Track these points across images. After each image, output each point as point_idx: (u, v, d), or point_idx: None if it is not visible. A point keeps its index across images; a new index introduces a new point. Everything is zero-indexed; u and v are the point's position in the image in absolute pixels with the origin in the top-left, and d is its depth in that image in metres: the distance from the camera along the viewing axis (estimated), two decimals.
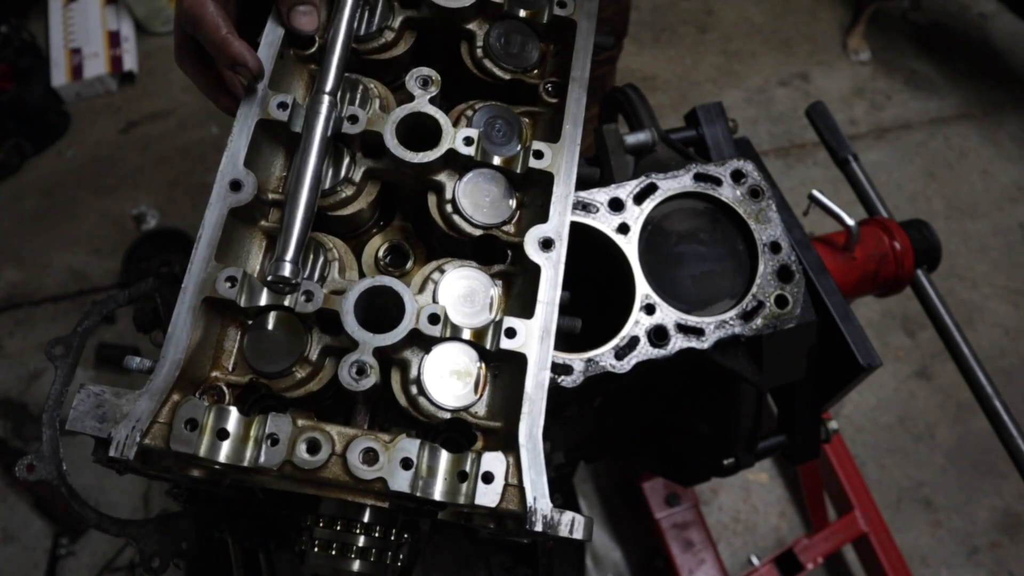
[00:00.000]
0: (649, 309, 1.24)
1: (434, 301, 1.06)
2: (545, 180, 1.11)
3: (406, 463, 0.92)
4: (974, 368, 1.86)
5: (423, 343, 1.02)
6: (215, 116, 3.97)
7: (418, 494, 0.91)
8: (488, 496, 0.92)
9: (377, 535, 1.04)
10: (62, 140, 3.94)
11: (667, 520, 2.75)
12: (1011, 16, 4.50)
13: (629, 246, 1.28)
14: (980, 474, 3.20)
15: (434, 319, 1.00)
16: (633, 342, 1.22)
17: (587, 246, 1.26)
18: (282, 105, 1.10)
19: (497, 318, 1.04)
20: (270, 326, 1.02)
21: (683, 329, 1.24)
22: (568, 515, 0.92)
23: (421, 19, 1.26)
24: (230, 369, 1.03)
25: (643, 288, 1.25)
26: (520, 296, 1.07)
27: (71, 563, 2.93)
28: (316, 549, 1.03)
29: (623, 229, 1.29)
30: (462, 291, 1.07)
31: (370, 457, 0.92)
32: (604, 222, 1.29)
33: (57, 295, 3.51)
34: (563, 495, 2.56)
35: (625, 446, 2.02)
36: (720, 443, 1.66)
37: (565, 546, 2.18)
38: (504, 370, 1.03)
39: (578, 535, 0.91)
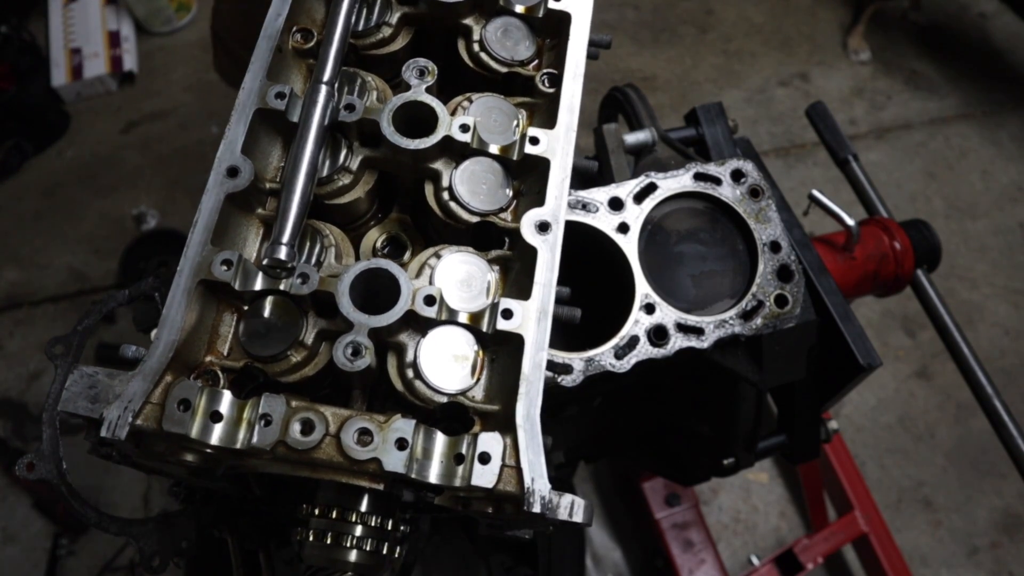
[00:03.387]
0: (649, 308, 1.24)
1: (431, 284, 1.06)
2: (541, 166, 1.11)
3: (401, 443, 0.91)
4: (974, 368, 1.86)
5: (419, 326, 1.01)
6: (215, 116, 3.98)
7: (413, 476, 0.90)
8: (485, 477, 0.91)
9: (374, 524, 1.03)
10: (62, 140, 3.94)
11: (667, 520, 2.75)
12: (1011, 16, 4.50)
13: (629, 245, 1.28)
14: (980, 474, 3.20)
15: (430, 300, 1.00)
16: (633, 341, 1.22)
17: (587, 245, 1.26)
18: (279, 95, 1.10)
19: (494, 301, 1.03)
20: (266, 311, 1.02)
21: (683, 328, 1.24)
22: (567, 498, 0.91)
23: (418, 14, 1.27)
24: (225, 354, 1.02)
25: (643, 287, 1.25)
26: (517, 281, 1.07)
27: (71, 563, 2.93)
28: (312, 539, 1.02)
29: (623, 228, 1.29)
30: (460, 276, 1.07)
31: (364, 437, 0.92)
32: (604, 221, 1.29)
33: (57, 295, 3.51)
34: None
35: (625, 446, 2.02)
36: (720, 443, 1.66)
37: (565, 545, 2.17)
38: (501, 354, 1.02)
39: (578, 518, 0.90)
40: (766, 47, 4.37)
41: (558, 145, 1.12)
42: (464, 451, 0.92)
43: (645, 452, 1.98)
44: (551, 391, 1.13)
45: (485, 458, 0.91)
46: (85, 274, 3.55)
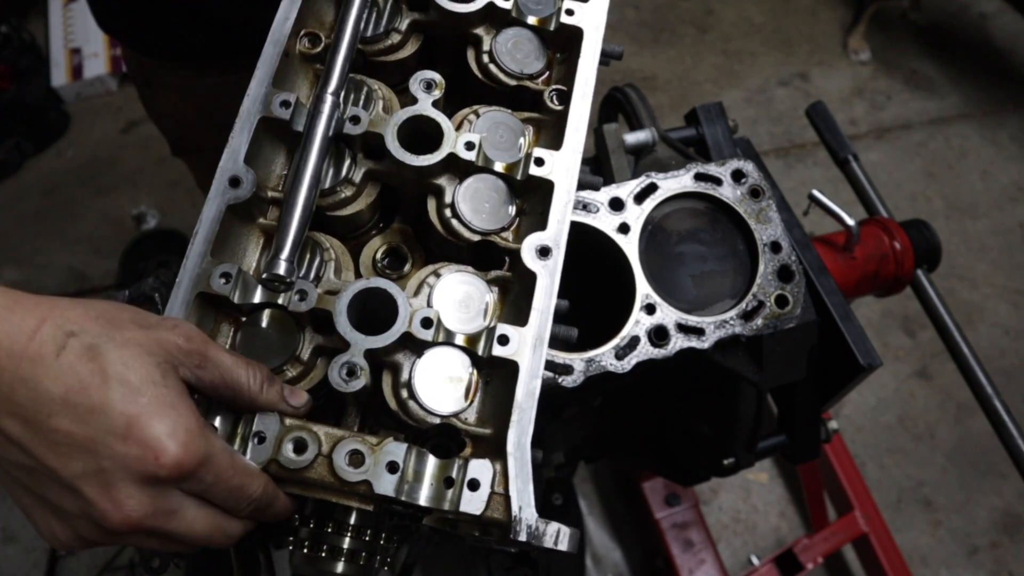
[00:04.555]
0: (649, 309, 1.24)
1: (429, 305, 1.05)
2: (545, 187, 1.10)
3: (392, 467, 0.91)
4: (974, 368, 1.86)
5: (415, 347, 1.01)
6: None
7: (403, 498, 0.90)
8: (473, 503, 0.91)
9: (363, 538, 1.04)
10: (62, 140, 3.94)
11: (667, 520, 2.75)
12: (1011, 16, 4.50)
13: (629, 246, 1.28)
14: (980, 474, 3.20)
15: (427, 323, 0.99)
16: (633, 342, 1.22)
17: (587, 246, 1.26)
18: (284, 104, 1.09)
19: (491, 324, 1.03)
20: (263, 324, 1.02)
21: (683, 329, 1.24)
22: (553, 526, 0.90)
23: (428, 22, 1.25)
24: None
25: (643, 288, 1.25)
26: (515, 303, 1.06)
27: (71, 563, 2.93)
28: (300, 549, 1.03)
29: (623, 229, 1.29)
30: (458, 296, 1.06)
31: (356, 459, 0.92)
32: (604, 222, 1.29)
33: (57, 295, 3.50)
34: (563, 495, 2.56)
35: (625, 446, 2.02)
36: (720, 443, 1.66)
37: None
38: (496, 377, 1.02)
39: (563, 547, 0.90)
40: (766, 47, 4.37)
41: (563, 167, 1.11)
42: (454, 475, 0.92)
43: (645, 452, 1.98)
44: (551, 391, 1.13)
45: (474, 485, 0.91)
46: (85, 274, 3.55)
